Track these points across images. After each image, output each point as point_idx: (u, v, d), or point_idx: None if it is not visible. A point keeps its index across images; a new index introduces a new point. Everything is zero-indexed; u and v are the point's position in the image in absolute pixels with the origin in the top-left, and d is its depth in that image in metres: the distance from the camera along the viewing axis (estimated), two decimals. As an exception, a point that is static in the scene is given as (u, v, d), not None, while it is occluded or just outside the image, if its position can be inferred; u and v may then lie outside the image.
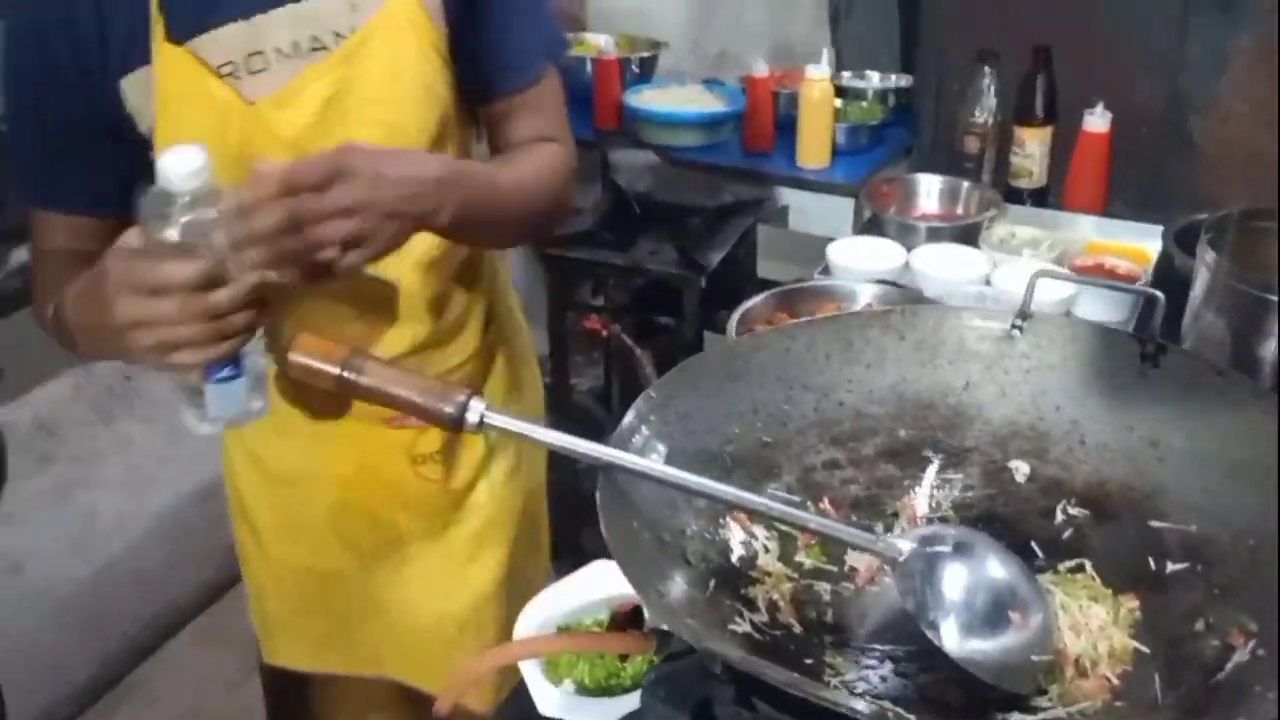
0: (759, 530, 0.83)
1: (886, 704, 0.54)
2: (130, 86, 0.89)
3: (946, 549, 0.72)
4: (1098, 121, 1.75)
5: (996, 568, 0.73)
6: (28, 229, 1.03)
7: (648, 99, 2.45)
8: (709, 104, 2.43)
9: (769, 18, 3.65)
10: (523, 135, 1.09)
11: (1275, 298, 1.16)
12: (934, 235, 1.63)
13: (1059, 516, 0.83)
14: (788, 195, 2.39)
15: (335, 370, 0.74)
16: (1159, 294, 0.86)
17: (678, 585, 0.73)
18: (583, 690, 0.97)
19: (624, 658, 0.93)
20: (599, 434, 1.12)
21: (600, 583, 1.04)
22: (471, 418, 0.72)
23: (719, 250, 2.02)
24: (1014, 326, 0.88)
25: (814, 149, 2.25)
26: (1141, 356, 0.82)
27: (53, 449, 2.16)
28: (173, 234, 0.80)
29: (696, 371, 0.87)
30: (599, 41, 2.70)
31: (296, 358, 0.75)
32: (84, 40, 0.88)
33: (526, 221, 1.08)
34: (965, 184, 1.77)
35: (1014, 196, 1.81)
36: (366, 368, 0.75)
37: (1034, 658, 0.69)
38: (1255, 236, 1.29)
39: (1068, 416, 0.86)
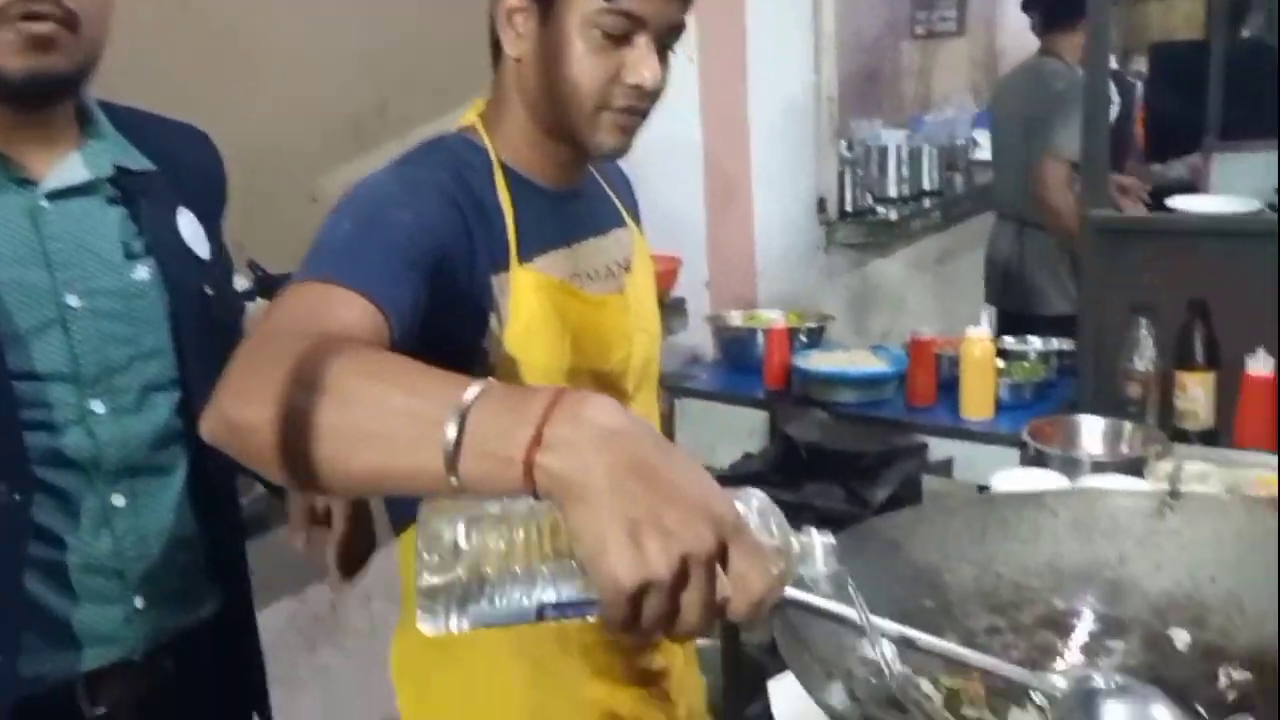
0: (924, 684, 0.88)
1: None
2: (496, 283, 1.08)
3: (1105, 687, 0.76)
4: (1261, 366, 1.79)
5: (1158, 707, 0.75)
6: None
7: (816, 361, 2.62)
8: (873, 364, 2.58)
9: (933, 299, 3.87)
10: None
11: None
12: (1099, 468, 1.67)
13: (1222, 681, 0.85)
14: (954, 448, 2.46)
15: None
16: (1304, 471, 0.91)
17: (844, 707, 0.79)
18: None
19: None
20: (764, 677, 1.18)
21: None
22: None
23: (884, 489, 2.10)
24: (1164, 504, 0.94)
25: (977, 402, 2.34)
26: (1291, 526, 0.86)
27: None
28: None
29: (865, 536, 0.95)
30: (769, 315, 2.94)
31: None
32: (463, 237, 1.04)
33: None
34: (1128, 425, 1.82)
35: (1180, 438, 1.84)
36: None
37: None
38: None
39: (1225, 587, 0.89)
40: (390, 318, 0.87)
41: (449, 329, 1.01)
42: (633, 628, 0.62)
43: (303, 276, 0.89)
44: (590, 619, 0.65)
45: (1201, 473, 1.66)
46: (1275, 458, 1.73)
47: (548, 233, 1.12)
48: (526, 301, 1.08)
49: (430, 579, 0.63)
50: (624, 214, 1.26)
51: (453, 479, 0.64)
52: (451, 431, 0.64)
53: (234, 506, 1.28)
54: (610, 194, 1.25)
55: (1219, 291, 1.86)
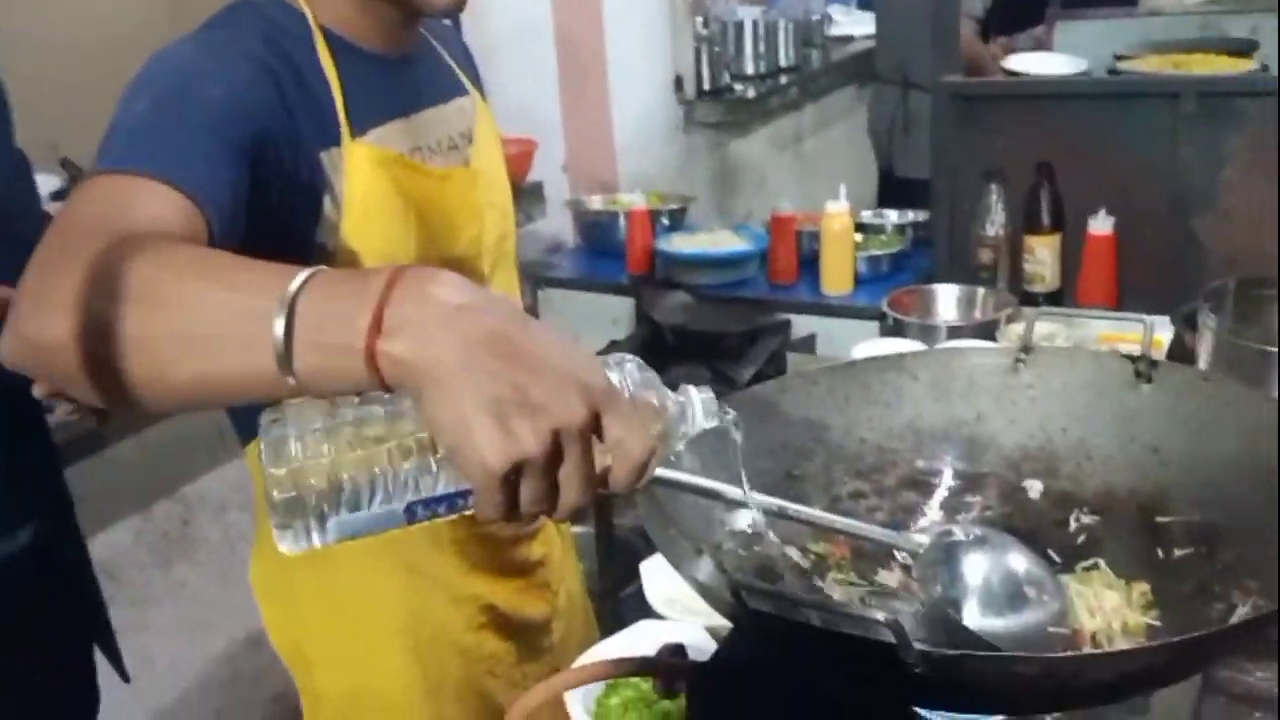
0: (791, 551, 0.89)
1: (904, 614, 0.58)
2: (327, 160, 0.96)
3: (964, 539, 0.78)
4: (1102, 226, 1.85)
5: (1013, 555, 0.78)
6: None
7: (678, 243, 2.60)
8: (736, 244, 2.57)
9: (793, 177, 3.89)
10: None
11: (1271, 349, 1.22)
12: (954, 334, 1.71)
13: (1072, 525, 0.88)
14: (816, 324, 2.49)
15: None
16: (1150, 321, 0.94)
17: (712, 580, 0.78)
18: (633, 734, 1.00)
19: (670, 694, 0.96)
20: (638, 560, 1.17)
21: (644, 641, 1.09)
22: None
23: (750, 368, 2.12)
24: (1018, 359, 0.95)
25: (837, 277, 2.37)
26: (1135, 374, 0.89)
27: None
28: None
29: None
30: (629, 198, 2.89)
31: None
32: (282, 112, 0.91)
33: None
34: (981, 290, 1.87)
35: (1029, 301, 1.90)
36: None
37: (1051, 630, 0.73)
38: (1251, 302, 1.37)
39: (1074, 436, 0.92)
40: (206, 209, 0.77)
41: (278, 220, 0.91)
42: (511, 514, 0.58)
43: (98, 169, 0.77)
44: (467, 512, 0.61)
45: (1049, 333, 1.71)
46: (1116, 314, 1.81)
47: (381, 103, 1.02)
48: (363, 179, 0.97)
49: (280, 495, 0.58)
50: (465, 81, 1.16)
51: (289, 379, 0.58)
52: (280, 325, 0.58)
53: (40, 429, 1.18)
54: (449, 60, 1.15)
55: (1063, 155, 1.91)
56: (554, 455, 0.56)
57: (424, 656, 1.15)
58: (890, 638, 0.56)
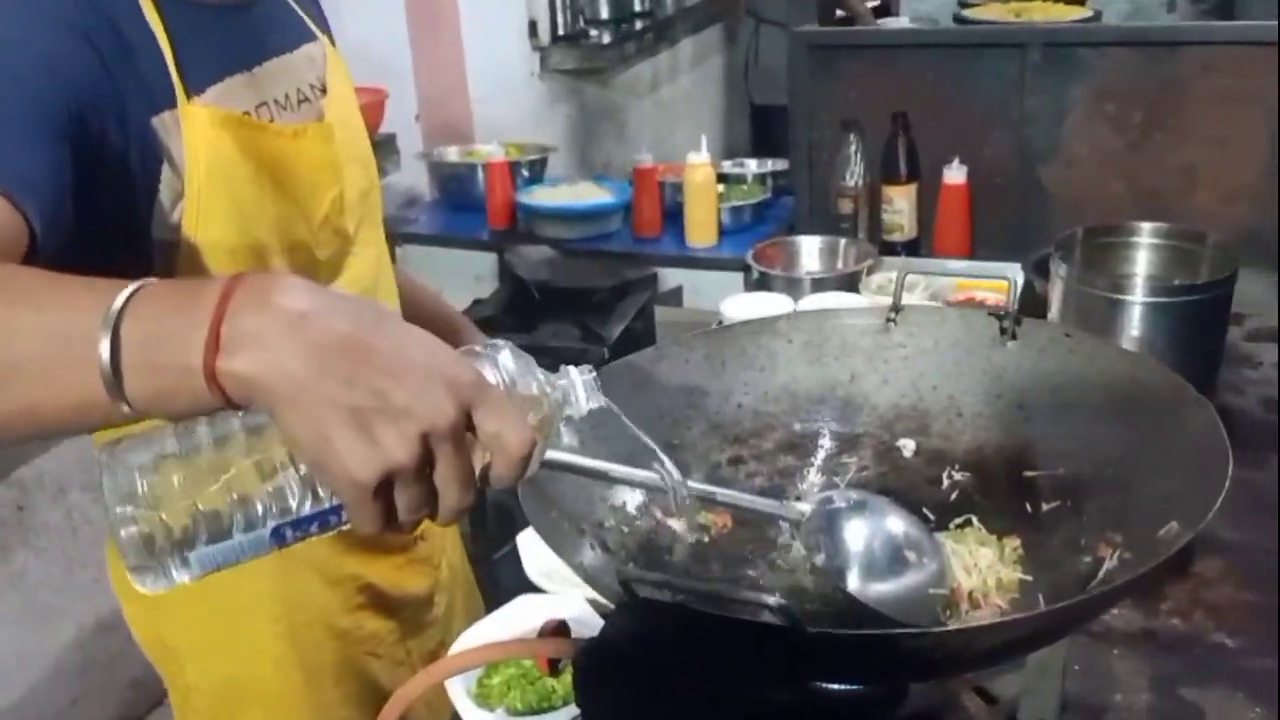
0: (674, 523, 0.88)
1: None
2: (160, 126, 0.85)
3: (844, 505, 0.78)
4: (955, 175, 1.90)
5: (891, 519, 0.79)
6: None
7: (539, 196, 2.55)
8: (598, 196, 2.54)
9: (652, 126, 3.86)
10: None
11: (1119, 297, 1.28)
12: (818, 286, 1.73)
13: (945, 482, 0.90)
14: (682, 276, 2.49)
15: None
16: (1014, 278, 0.96)
17: (594, 568, 0.77)
18: (515, 714, 0.99)
19: (554, 673, 0.95)
20: (513, 523, 1.14)
21: (524, 617, 1.07)
22: None
23: (618, 324, 2.10)
24: (888, 319, 0.96)
25: (701, 229, 2.37)
26: (1000, 331, 0.91)
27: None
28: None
29: (603, 383, 0.92)
30: (487, 149, 2.81)
31: None
32: (102, 78, 0.81)
33: None
34: (843, 240, 1.90)
35: (889, 250, 1.95)
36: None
37: (931, 591, 0.74)
38: (1098, 250, 1.42)
39: (944, 394, 0.93)
40: (23, 203, 0.68)
41: (114, 199, 0.82)
42: (389, 525, 0.54)
43: None
44: (343, 528, 0.57)
45: (908, 284, 1.75)
46: (970, 263, 1.87)
47: (219, 57, 0.91)
48: (206, 144, 0.88)
49: (129, 534, 0.52)
50: (311, 26, 1.06)
51: (123, 405, 0.53)
52: (105, 348, 0.52)
53: None
54: (291, 3, 1.05)
55: (918, 105, 1.94)
56: (425, 459, 0.53)
57: (300, 642, 1.10)
58: (783, 621, 0.55)
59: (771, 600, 0.55)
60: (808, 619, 0.78)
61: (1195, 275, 1.37)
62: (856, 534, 0.77)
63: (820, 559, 0.76)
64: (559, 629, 0.95)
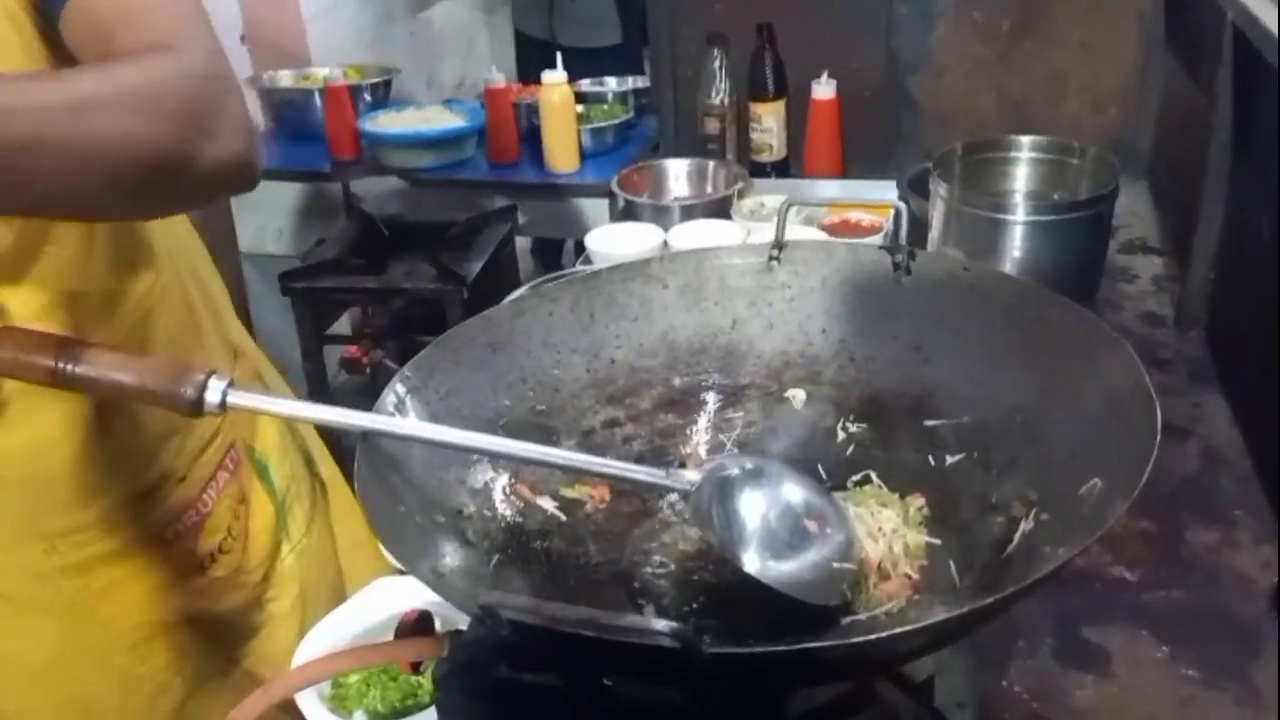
0: (545, 502, 0.78)
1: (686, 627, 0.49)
2: None
3: (737, 473, 0.69)
4: (824, 90, 1.82)
5: (789, 487, 0.70)
6: None
7: (385, 122, 2.36)
8: (449, 120, 2.37)
9: (502, 43, 3.65)
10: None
11: (1001, 216, 1.22)
12: (688, 213, 1.63)
13: (840, 435, 0.82)
14: (543, 206, 2.36)
15: (48, 362, 0.63)
16: (902, 205, 0.88)
17: (456, 565, 0.66)
18: (377, 718, 0.88)
19: (417, 670, 0.85)
20: None
21: (382, 604, 0.96)
22: (212, 398, 0.63)
23: (477, 261, 1.96)
24: (771, 257, 0.87)
25: (562, 154, 2.23)
26: (894, 265, 0.82)
27: None
28: None
29: (456, 345, 0.81)
30: (324, 72, 2.59)
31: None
32: None
33: (110, 163, 0.67)
34: (711, 163, 1.80)
35: (758, 171, 1.86)
36: (85, 355, 0.64)
37: (836, 565, 0.67)
38: (976, 167, 1.37)
39: (835, 337, 0.85)
40: None
41: None
42: None
43: None
44: None
45: (776, 207, 1.67)
46: (846, 183, 1.81)
47: None
48: None
49: None
50: None
51: None
52: None
53: None
54: None
55: (783, 16, 1.84)
56: None
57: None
58: (677, 645, 0.46)
59: (663, 626, 0.45)
60: (701, 608, 0.71)
61: (1074, 189, 1.33)
62: (752, 506, 0.68)
63: (714, 537, 0.67)
64: (420, 622, 0.84)
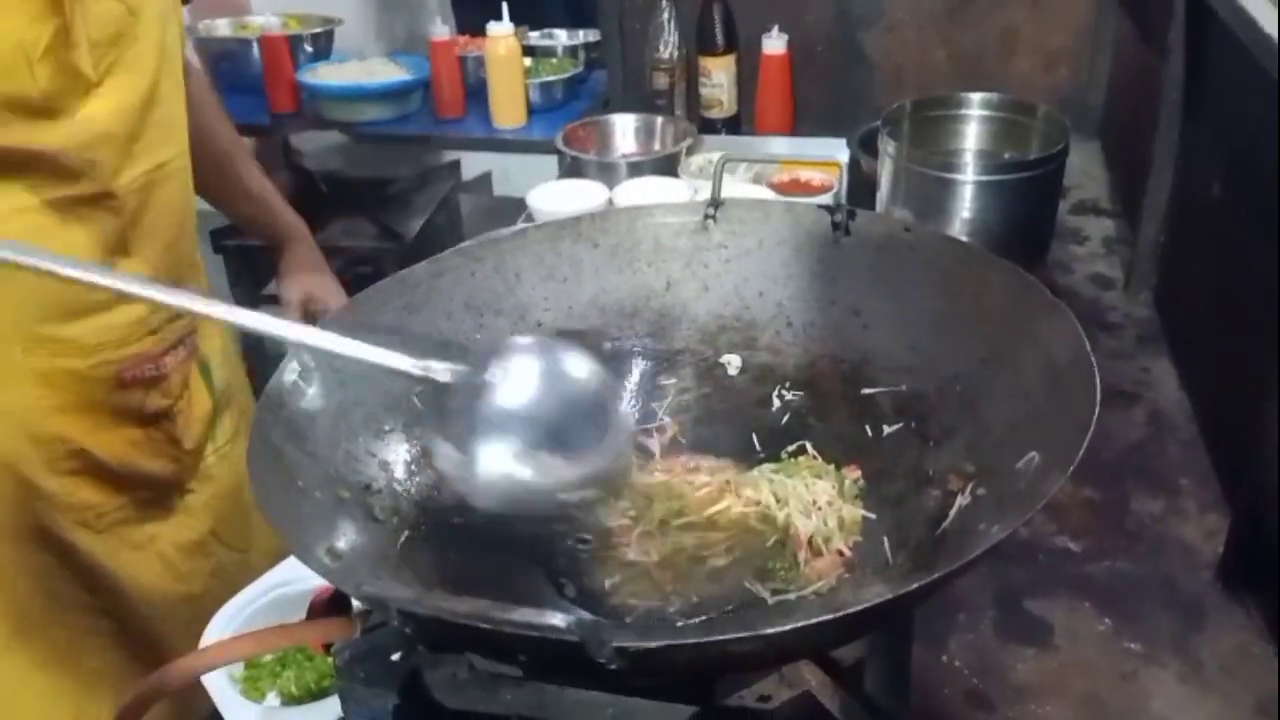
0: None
1: (585, 615, 0.46)
2: None
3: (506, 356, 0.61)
4: (775, 44, 1.77)
5: (573, 359, 0.63)
6: None
7: (326, 74, 2.27)
8: (393, 73, 2.28)
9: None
10: None
11: (950, 176, 1.19)
12: (634, 171, 1.58)
13: (775, 403, 0.79)
14: (489, 161, 2.29)
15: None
16: (842, 160, 0.84)
17: (358, 543, 0.62)
18: (291, 700, 0.84)
19: (330, 652, 0.81)
20: None
21: (297, 580, 0.91)
22: None
23: (418, 219, 1.90)
24: (707, 215, 0.83)
25: (508, 109, 2.16)
26: (833, 226, 0.79)
27: None
28: None
29: (370, 308, 0.76)
30: (262, 21, 2.48)
31: None
32: None
33: None
34: (660, 119, 1.75)
35: (708, 127, 1.81)
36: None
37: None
38: (926, 125, 1.33)
39: (772, 300, 0.81)
40: None
41: None
42: None
43: None
44: None
45: (728, 166, 1.63)
46: (793, 140, 1.76)
47: None
48: None
49: None
50: None
51: None
52: None
53: None
54: None
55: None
56: None
57: None
58: (577, 638, 0.42)
59: (559, 621, 0.42)
60: (623, 584, 0.66)
61: (1025, 148, 1.30)
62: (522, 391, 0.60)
63: (475, 447, 0.58)
64: (334, 601, 0.80)
